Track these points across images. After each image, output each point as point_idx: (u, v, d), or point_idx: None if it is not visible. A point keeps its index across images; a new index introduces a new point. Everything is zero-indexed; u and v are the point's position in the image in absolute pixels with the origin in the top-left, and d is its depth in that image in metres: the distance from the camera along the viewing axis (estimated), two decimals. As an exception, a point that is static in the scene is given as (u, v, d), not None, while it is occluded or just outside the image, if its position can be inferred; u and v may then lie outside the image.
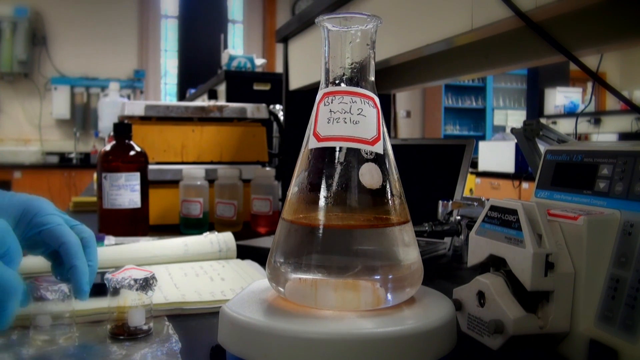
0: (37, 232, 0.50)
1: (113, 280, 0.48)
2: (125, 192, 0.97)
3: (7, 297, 0.40)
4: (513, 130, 0.69)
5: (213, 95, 2.45)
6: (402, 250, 0.41)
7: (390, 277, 0.40)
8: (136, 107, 1.18)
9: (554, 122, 4.67)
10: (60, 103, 5.15)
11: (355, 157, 0.41)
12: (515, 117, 6.33)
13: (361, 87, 0.42)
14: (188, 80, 4.77)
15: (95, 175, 1.26)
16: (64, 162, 5.08)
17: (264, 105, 1.29)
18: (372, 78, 0.43)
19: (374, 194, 0.41)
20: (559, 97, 4.90)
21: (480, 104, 6.44)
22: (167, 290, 0.62)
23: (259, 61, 2.73)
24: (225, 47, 3.71)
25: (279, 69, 2.42)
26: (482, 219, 0.47)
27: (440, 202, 0.83)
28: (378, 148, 0.41)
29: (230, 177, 1.11)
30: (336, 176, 0.41)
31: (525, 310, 0.41)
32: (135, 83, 5.36)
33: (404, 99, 6.32)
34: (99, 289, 0.53)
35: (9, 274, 0.40)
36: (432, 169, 1.00)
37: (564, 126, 4.53)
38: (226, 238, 0.82)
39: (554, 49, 0.65)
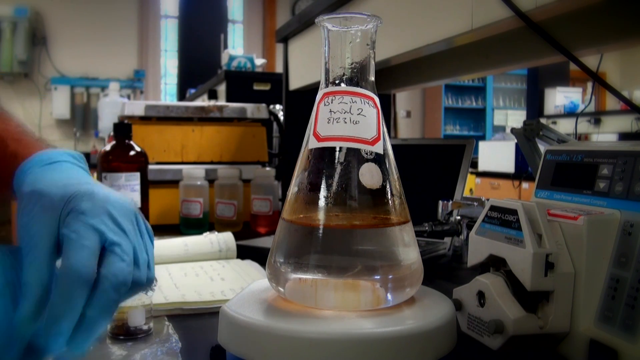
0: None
1: (113, 280, 0.48)
2: (125, 192, 0.97)
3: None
4: (513, 130, 0.69)
5: (213, 95, 2.44)
6: (402, 250, 0.41)
7: (390, 277, 0.40)
8: (136, 107, 1.18)
9: (554, 122, 4.66)
10: (60, 103, 5.15)
11: (355, 157, 0.41)
12: (515, 117, 6.33)
13: (361, 87, 0.42)
14: (188, 80, 4.76)
15: (95, 175, 1.26)
16: (64, 162, 5.07)
17: (264, 105, 1.29)
18: (372, 78, 0.43)
19: (374, 194, 0.41)
20: (559, 97, 4.89)
21: (480, 104, 6.44)
22: (167, 290, 0.62)
23: (259, 61, 2.73)
24: (225, 47, 3.71)
25: (279, 69, 2.42)
26: (482, 219, 0.47)
27: (440, 202, 0.83)
28: (378, 148, 0.41)
29: (230, 177, 1.11)
30: (336, 176, 0.41)
31: (525, 310, 0.41)
32: (135, 83, 5.35)
33: (404, 99, 6.32)
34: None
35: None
36: (432, 169, 1.00)
37: (564, 126, 4.53)
38: (226, 238, 0.82)
39: (554, 49, 0.65)
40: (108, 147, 1.01)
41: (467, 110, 6.45)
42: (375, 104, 0.42)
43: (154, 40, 5.56)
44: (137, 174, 0.99)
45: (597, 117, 4.54)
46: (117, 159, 0.99)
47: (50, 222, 0.39)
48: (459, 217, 0.81)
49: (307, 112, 0.44)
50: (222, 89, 2.33)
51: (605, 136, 4.37)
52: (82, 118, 5.30)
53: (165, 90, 5.77)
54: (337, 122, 0.41)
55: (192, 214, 1.06)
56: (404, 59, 0.92)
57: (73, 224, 0.39)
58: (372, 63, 0.43)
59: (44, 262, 0.38)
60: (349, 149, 0.41)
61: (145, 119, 1.19)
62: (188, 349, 0.47)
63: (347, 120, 0.41)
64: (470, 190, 4.25)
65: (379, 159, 0.41)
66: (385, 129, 0.43)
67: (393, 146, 0.44)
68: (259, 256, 0.80)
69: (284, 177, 1.32)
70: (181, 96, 4.96)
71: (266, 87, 2.18)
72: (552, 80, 4.89)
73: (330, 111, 0.41)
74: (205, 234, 0.82)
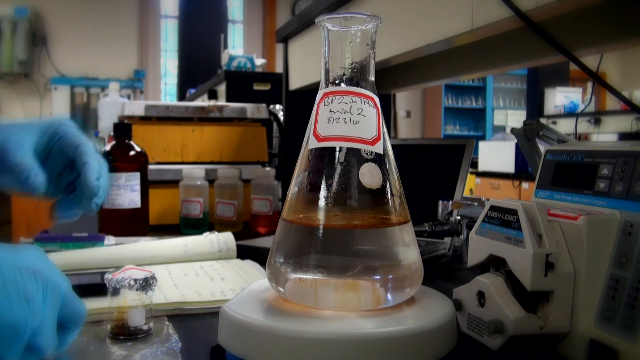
0: (57, 139, 0.54)
1: (113, 280, 0.48)
2: (125, 192, 0.97)
3: (79, 325, 0.42)
4: (513, 130, 0.69)
5: (213, 95, 2.44)
6: (402, 250, 0.41)
7: (390, 277, 0.40)
8: (136, 107, 1.18)
9: (554, 122, 4.66)
10: (60, 103, 5.15)
11: (355, 157, 0.41)
12: (515, 117, 6.33)
13: (361, 87, 0.42)
14: (188, 80, 4.76)
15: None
16: (64, 162, 5.07)
17: (264, 105, 1.29)
18: (372, 78, 0.43)
19: (374, 194, 0.41)
20: (559, 97, 4.89)
21: (480, 104, 6.44)
22: (167, 290, 0.62)
23: (259, 61, 2.72)
24: (225, 47, 3.71)
25: (279, 69, 2.42)
26: (482, 219, 0.47)
27: (440, 202, 0.83)
28: (378, 148, 0.41)
29: (230, 177, 1.11)
30: (336, 176, 0.41)
31: (525, 310, 0.41)
32: (135, 83, 5.35)
33: (404, 99, 6.31)
34: (99, 289, 0.53)
35: (82, 305, 0.41)
36: (432, 169, 1.00)
37: (564, 126, 4.52)
38: (226, 238, 0.82)
39: (554, 49, 0.65)
40: (108, 147, 1.01)
41: (467, 110, 6.45)
42: (375, 104, 0.42)
43: (154, 40, 5.56)
44: (137, 174, 0.99)
45: (597, 117, 4.54)
46: (117, 159, 0.99)
47: (31, 134, 0.54)
48: (459, 217, 0.81)
49: (307, 112, 0.44)
50: (222, 89, 2.32)
51: (605, 136, 4.37)
52: (82, 118, 5.29)
53: (165, 90, 5.77)
54: (337, 122, 0.41)
55: (192, 214, 1.06)
56: (404, 59, 0.92)
57: (69, 130, 0.55)
58: (372, 63, 0.43)
59: (30, 154, 0.52)
60: (349, 149, 0.41)
61: (145, 119, 1.19)
62: (188, 349, 0.47)
63: (347, 120, 0.41)
64: (470, 190, 4.25)
65: (379, 159, 0.41)
66: (385, 129, 0.43)
67: (393, 146, 0.44)
68: (259, 256, 0.80)
69: (284, 177, 1.32)
70: (181, 96, 4.96)
71: (266, 87, 2.18)
72: (552, 80, 4.89)
73: (330, 111, 0.41)
74: (205, 234, 0.82)
